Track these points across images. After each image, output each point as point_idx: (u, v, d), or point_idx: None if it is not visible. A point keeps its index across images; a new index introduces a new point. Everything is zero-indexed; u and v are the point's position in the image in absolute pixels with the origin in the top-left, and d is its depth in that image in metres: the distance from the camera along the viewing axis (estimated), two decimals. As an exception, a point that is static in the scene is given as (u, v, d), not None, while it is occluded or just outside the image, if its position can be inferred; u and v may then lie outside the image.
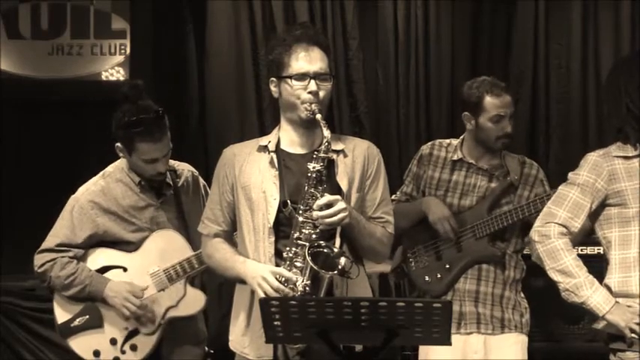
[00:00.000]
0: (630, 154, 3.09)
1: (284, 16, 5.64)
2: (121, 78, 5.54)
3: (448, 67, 5.66)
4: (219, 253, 3.16)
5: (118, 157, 3.83)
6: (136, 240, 3.73)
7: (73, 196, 3.76)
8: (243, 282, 3.09)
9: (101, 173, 3.80)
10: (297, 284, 2.93)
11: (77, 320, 3.72)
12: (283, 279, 2.95)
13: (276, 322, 2.66)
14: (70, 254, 3.70)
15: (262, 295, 2.92)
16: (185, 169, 3.89)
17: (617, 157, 3.10)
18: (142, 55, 5.58)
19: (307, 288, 2.92)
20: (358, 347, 2.82)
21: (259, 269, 3.00)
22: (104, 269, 3.73)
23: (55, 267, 3.69)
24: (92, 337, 3.71)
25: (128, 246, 3.74)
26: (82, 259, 3.73)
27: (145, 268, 3.73)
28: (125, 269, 3.74)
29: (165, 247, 3.74)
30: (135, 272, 3.72)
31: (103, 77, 5.61)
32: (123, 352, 3.69)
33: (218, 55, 5.70)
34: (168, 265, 3.72)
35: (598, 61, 5.58)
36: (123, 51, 5.60)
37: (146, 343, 3.71)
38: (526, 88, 5.60)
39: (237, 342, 3.13)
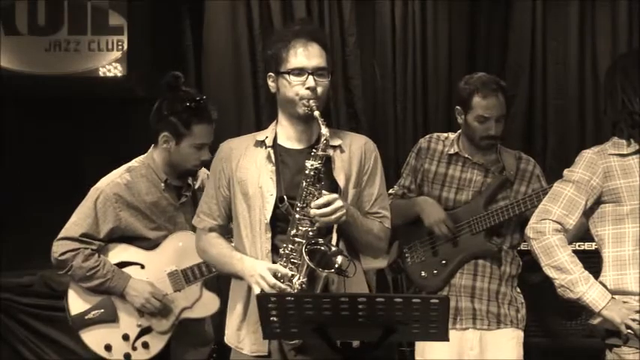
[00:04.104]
0: (625, 152, 3.10)
1: (281, 13, 5.63)
2: (119, 74, 5.52)
3: (445, 62, 5.65)
4: (216, 248, 3.17)
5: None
6: (155, 237, 3.75)
7: (95, 187, 3.75)
8: (239, 278, 3.09)
9: (126, 167, 3.80)
10: (294, 281, 2.94)
11: (92, 313, 3.74)
12: (279, 274, 2.96)
13: (273, 318, 2.67)
14: (93, 247, 3.71)
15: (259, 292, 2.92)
16: (201, 171, 3.89)
17: (613, 154, 3.11)
18: (140, 52, 5.56)
19: (304, 285, 2.92)
20: (355, 343, 2.83)
21: (257, 266, 3.00)
22: (121, 265, 3.75)
23: (78, 257, 3.69)
24: (105, 332, 3.73)
25: (145, 243, 3.76)
26: (102, 252, 3.74)
27: (162, 267, 3.74)
28: (142, 266, 3.76)
29: (184, 247, 3.74)
30: (152, 270, 3.74)
31: (101, 73, 5.59)
32: (134, 349, 3.71)
33: (216, 51, 5.70)
34: (185, 266, 3.73)
35: (595, 58, 5.57)
36: (120, 47, 5.59)
37: (158, 341, 3.73)
38: (523, 84, 5.59)
39: (232, 336, 3.13)
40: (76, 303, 3.76)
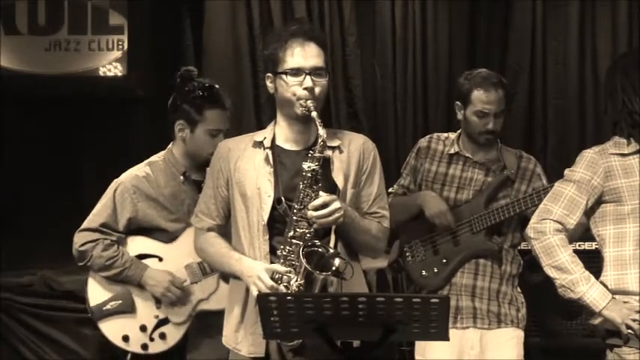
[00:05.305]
0: (626, 152, 3.10)
1: (281, 13, 5.64)
2: (119, 74, 5.52)
3: (445, 62, 5.65)
4: (214, 247, 3.17)
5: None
6: (173, 230, 3.78)
7: (116, 180, 3.83)
8: (237, 278, 3.10)
9: (147, 161, 3.86)
10: (291, 283, 2.94)
11: (110, 304, 3.78)
12: (277, 275, 2.96)
13: (273, 318, 2.67)
14: (113, 238, 3.77)
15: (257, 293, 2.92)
16: None
17: (613, 154, 3.11)
18: (140, 51, 5.56)
19: (301, 287, 2.92)
20: (356, 343, 2.83)
21: (255, 267, 3.00)
22: (140, 257, 3.79)
23: (97, 247, 3.75)
24: (123, 322, 3.77)
25: (164, 235, 3.79)
26: (121, 244, 3.79)
27: (180, 260, 3.77)
28: (161, 259, 3.79)
29: None
30: (170, 263, 3.77)
31: (101, 73, 5.59)
32: (152, 340, 3.75)
33: (216, 51, 5.70)
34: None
35: (595, 57, 5.57)
36: (120, 47, 5.59)
37: (175, 332, 3.76)
38: (523, 84, 5.59)
39: (230, 337, 3.14)
40: (95, 294, 3.80)
